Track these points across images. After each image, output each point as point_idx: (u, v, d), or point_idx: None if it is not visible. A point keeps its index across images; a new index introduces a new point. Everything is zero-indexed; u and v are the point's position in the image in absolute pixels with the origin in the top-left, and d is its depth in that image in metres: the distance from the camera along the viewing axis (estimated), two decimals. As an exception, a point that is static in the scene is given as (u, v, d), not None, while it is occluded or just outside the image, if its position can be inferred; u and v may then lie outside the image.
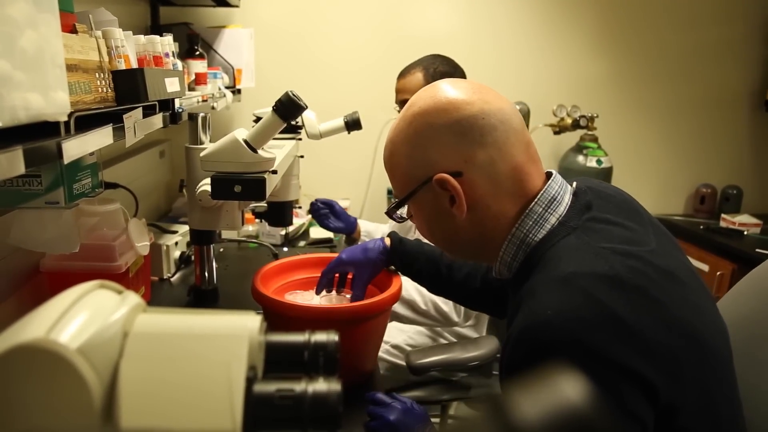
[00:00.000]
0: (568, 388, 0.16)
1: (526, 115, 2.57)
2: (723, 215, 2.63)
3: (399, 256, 1.17)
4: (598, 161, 2.56)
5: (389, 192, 2.56)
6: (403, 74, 1.70)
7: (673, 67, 2.78)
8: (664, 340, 0.65)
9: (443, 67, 1.64)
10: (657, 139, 2.85)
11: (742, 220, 2.56)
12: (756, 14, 2.76)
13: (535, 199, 0.77)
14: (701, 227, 2.63)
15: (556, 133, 2.63)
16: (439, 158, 0.77)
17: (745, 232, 2.52)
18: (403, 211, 0.89)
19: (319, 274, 1.23)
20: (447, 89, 0.79)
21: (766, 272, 0.97)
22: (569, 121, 2.59)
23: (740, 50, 2.79)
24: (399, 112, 1.66)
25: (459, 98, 0.77)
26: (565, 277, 0.68)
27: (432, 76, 1.62)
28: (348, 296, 1.26)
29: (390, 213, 0.88)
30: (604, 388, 0.62)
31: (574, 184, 0.83)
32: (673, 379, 0.66)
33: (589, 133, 2.60)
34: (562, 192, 0.80)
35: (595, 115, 2.60)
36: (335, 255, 1.36)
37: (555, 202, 0.78)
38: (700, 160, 2.88)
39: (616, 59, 2.75)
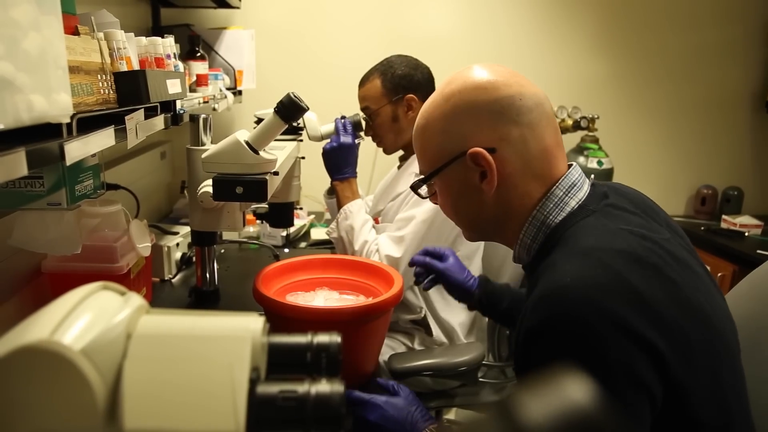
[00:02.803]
0: (575, 390, 0.17)
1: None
2: (724, 216, 2.63)
3: (486, 294, 1.19)
4: (599, 162, 2.56)
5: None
6: (362, 83, 1.68)
7: (674, 69, 2.78)
8: (676, 318, 0.67)
9: (402, 70, 1.62)
10: (658, 141, 2.85)
11: (743, 222, 2.56)
12: (757, 15, 2.76)
13: (557, 184, 0.80)
14: (702, 228, 2.63)
15: (556, 134, 2.63)
16: (475, 134, 0.79)
17: (746, 234, 2.52)
18: (424, 190, 0.91)
19: (320, 276, 1.23)
20: (486, 71, 0.82)
21: (766, 274, 0.98)
22: (570, 122, 2.59)
23: (741, 51, 2.79)
24: (364, 119, 1.65)
25: (498, 79, 0.80)
26: (584, 250, 0.71)
27: (390, 81, 1.61)
28: (349, 297, 1.26)
29: (415, 187, 0.90)
30: (617, 354, 0.64)
31: (592, 176, 0.85)
32: (683, 358, 0.67)
33: (590, 134, 2.60)
34: (582, 180, 0.82)
35: (596, 116, 2.60)
36: (336, 256, 1.36)
37: (575, 188, 0.81)
38: (701, 161, 2.88)
39: (616, 60, 2.75)
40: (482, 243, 1.65)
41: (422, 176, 0.88)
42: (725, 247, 2.40)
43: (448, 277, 1.19)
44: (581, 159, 2.58)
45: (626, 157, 2.79)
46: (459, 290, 1.20)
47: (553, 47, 2.71)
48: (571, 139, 2.68)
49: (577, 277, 0.68)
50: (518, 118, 0.79)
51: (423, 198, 0.93)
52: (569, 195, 0.80)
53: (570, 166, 0.84)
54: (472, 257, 1.62)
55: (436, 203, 0.93)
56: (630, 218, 0.77)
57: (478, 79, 0.81)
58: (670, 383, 0.67)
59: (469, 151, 0.79)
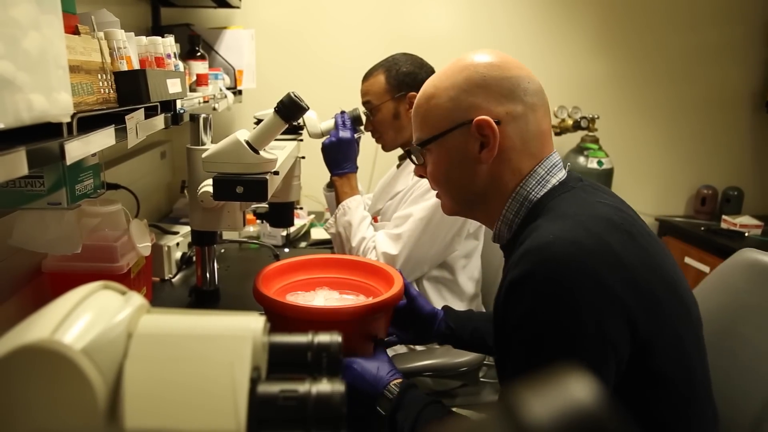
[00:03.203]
0: (579, 389, 0.17)
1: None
2: (724, 216, 2.63)
3: (452, 320, 1.20)
4: (599, 162, 2.56)
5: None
6: (366, 77, 1.67)
7: (674, 69, 2.78)
8: (648, 281, 0.73)
9: (406, 68, 1.62)
10: (658, 141, 2.85)
11: (743, 222, 2.56)
12: (757, 15, 2.76)
13: (540, 163, 0.86)
14: (702, 228, 2.63)
15: (557, 134, 2.63)
16: (484, 106, 0.84)
17: (746, 234, 2.52)
18: (416, 160, 0.94)
19: (320, 276, 1.23)
20: (498, 53, 0.89)
21: (734, 267, 1.01)
22: (570, 122, 2.59)
23: (741, 51, 2.79)
24: (365, 113, 1.65)
25: (509, 61, 0.88)
26: (566, 214, 0.77)
27: (394, 78, 1.60)
28: (349, 297, 1.25)
29: (411, 150, 0.93)
30: (590, 310, 0.69)
31: (568, 164, 0.91)
32: (652, 319, 0.73)
33: (590, 134, 2.60)
34: (561, 164, 0.89)
35: (596, 116, 2.60)
36: (336, 256, 1.36)
37: (556, 168, 0.87)
38: (701, 161, 2.88)
39: (617, 60, 2.75)
40: (481, 243, 1.64)
41: (422, 140, 0.90)
42: (725, 247, 2.40)
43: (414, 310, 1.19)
44: (581, 159, 2.58)
45: (626, 157, 2.79)
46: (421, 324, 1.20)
47: (553, 47, 2.71)
48: (571, 139, 2.68)
49: (560, 235, 0.73)
50: (524, 98, 0.85)
51: (416, 164, 0.95)
52: (550, 174, 0.86)
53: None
54: (471, 256, 1.62)
55: (421, 175, 0.96)
56: (604, 195, 0.85)
57: (491, 58, 0.87)
58: (639, 343, 0.72)
59: (476, 119, 0.83)
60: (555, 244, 0.72)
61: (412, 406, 0.89)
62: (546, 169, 0.86)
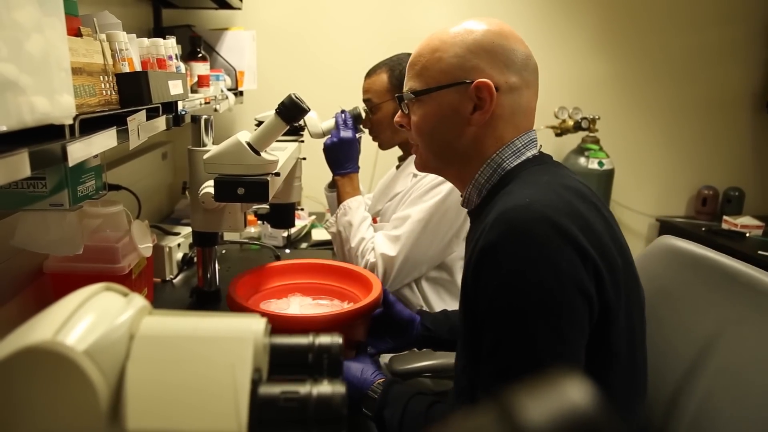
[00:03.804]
0: (575, 393, 0.17)
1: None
2: (725, 217, 2.63)
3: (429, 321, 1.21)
4: (600, 163, 2.56)
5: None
6: (369, 74, 1.68)
7: (675, 69, 2.78)
8: (610, 248, 0.78)
9: None
10: (659, 141, 2.85)
11: (744, 222, 2.56)
12: (758, 16, 2.76)
13: (518, 137, 0.90)
14: (703, 229, 2.63)
15: (557, 134, 2.63)
16: (487, 70, 0.86)
17: (747, 234, 2.52)
18: (403, 108, 0.95)
19: (292, 282, 1.24)
20: (508, 26, 0.91)
21: (653, 254, 1.07)
22: (571, 122, 2.59)
23: (742, 52, 2.79)
24: (365, 110, 1.64)
25: (517, 36, 0.90)
26: (539, 182, 0.82)
27: (397, 78, 1.61)
28: (323, 302, 1.24)
29: (402, 96, 0.94)
30: (568, 265, 0.73)
31: (540, 145, 0.94)
32: (613, 284, 0.77)
33: (591, 134, 2.61)
34: (537, 141, 0.92)
35: (597, 116, 2.60)
36: (308, 261, 1.34)
37: (532, 143, 0.90)
38: (702, 161, 2.88)
39: (617, 61, 2.75)
40: None
41: (417, 90, 0.91)
42: (726, 248, 2.40)
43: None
44: (582, 160, 2.58)
45: (627, 157, 2.79)
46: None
47: (554, 48, 2.71)
48: (572, 140, 2.68)
49: (534, 199, 0.76)
50: (524, 73, 0.88)
51: (404, 111, 0.95)
52: (527, 147, 0.89)
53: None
54: None
55: (401, 124, 0.96)
56: (573, 174, 0.90)
57: (502, 28, 0.89)
58: (603, 304, 0.76)
59: (477, 80, 0.85)
60: (530, 206, 0.75)
61: (398, 401, 0.90)
62: (524, 143, 0.89)
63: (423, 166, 0.98)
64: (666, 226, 2.82)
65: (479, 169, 0.90)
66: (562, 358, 0.73)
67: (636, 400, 0.85)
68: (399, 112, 0.96)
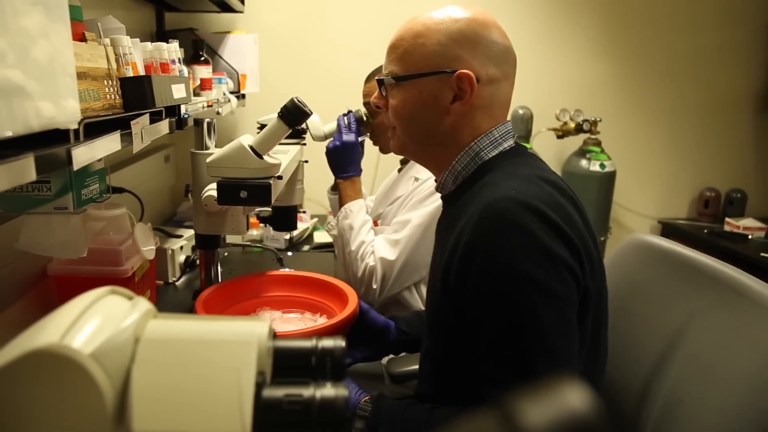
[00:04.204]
0: (575, 398, 0.17)
1: (529, 119, 2.58)
2: (727, 219, 2.63)
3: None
4: (602, 165, 2.56)
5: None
6: (368, 79, 1.68)
7: (676, 71, 2.78)
8: (587, 241, 0.82)
9: None
10: (661, 143, 2.85)
11: (747, 224, 2.55)
12: (759, 17, 2.76)
13: (496, 127, 0.92)
14: (705, 231, 2.63)
15: (559, 137, 2.63)
16: (469, 61, 0.87)
17: (750, 236, 2.51)
18: (383, 91, 0.96)
19: (261, 296, 1.23)
20: (493, 17, 0.92)
21: (627, 250, 1.10)
22: (572, 125, 2.59)
23: (744, 53, 2.79)
24: (365, 113, 1.64)
25: (501, 29, 0.92)
26: (521, 175, 0.83)
27: None
28: (292, 315, 1.22)
29: (382, 80, 0.94)
30: (559, 249, 0.76)
31: (516, 135, 0.96)
32: (591, 271, 0.81)
33: (593, 137, 2.61)
34: (513, 133, 0.94)
35: (599, 119, 2.60)
36: (274, 273, 1.33)
37: (509, 135, 0.93)
38: (704, 163, 2.88)
39: (619, 63, 2.76)
40: None
41: (398, 75, 0.91)
42: (728, 249, 2.40)
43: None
44: (584, 162, 2.58)
45: (629, 159, 2.79)
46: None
47: (555, 50, 2.71)
48: (574, 142, 2.68)
49: (520, 191, 0.78)
50: (504, 66, 0.90)
51: (382, 94, 0.96)
52: (504, 138, 0.91)
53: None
54: None
55: (378, 106, 0.97)
56: (548, 167, 0.92)
57: (487, 19, 0.90)
58: (583, 291, 0.80)
59: (459, 71, 0.86)
60: (518, 197, 0.77)
61: (393, 415, 0.88)
62: (501, 134, 0.91)
63: (400, 149, 1.00)
64: (668, 228, 2.82)
65: (456, 156, 0.91)
66: (568, 338, 0.76)
67: (597, 381, 0.90)
68: (376, 93, 0.97)
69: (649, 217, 2.92)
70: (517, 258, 0.75)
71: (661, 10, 2.72)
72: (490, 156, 0.90)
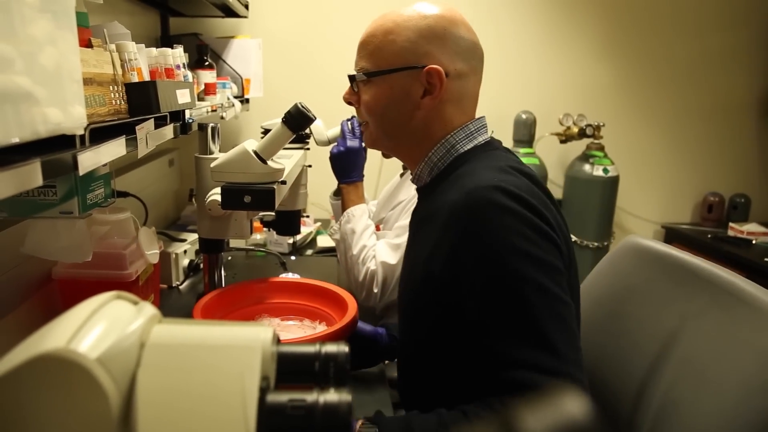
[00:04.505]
0: (572, 406, 0.17)
1: (532, 123, 2.58)
2: (731, 224, 2.62)
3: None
4: (605, 170, 2.56)
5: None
6: None
7: (679, 75, 2.78)
8: (563, 229, 0.86)
9: None
10: (664, 147, 2.85)
11: (750, 229, 2.55)
12: (761, 21, 2.76)
13: (472, 121, 0.95)
14: (709, 236, 2.62)
15: (562, 142, 2.63)
16: (437, 56, 0.90)
17: (754, 241, 2.51)
18: (354, 87, 0.99)
19: (259, 303, 1.23)
20: (460, 13, 0.95)
21: (621, 253, 1.11)
22: (575, 129, 2.60)
23: (747, 57, 2.79)
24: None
25: (468, 25, 0.94)
26: (498, 166, 0.86)
27: None
28: (290, 323, 1.22)
29: (354, 77, 0.98)
30: (539, 236, 0.79)
31: (492, 131, 0.99)
32: (567, 254, 0.84)
33: (596, 141, 2.61)
34: (487, 128, 0.97)
35: (602, 123, 2.60)
36: (273, 280, 1.32)
37: (484, 129, 0.96)
38: (708, 168, 2.88)
39: (622, 67, 2.76)
40: None
41: (369, 71, 0.94)
42: (732, 254, 2.39)
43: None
44: (587, 166, 2.58)
45: (632, 164, 2.79)
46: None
47: (558, 55, 2.71)
48: (577, 147, 2.68)
49: (501, 179, 0.81)
50: (472, 61, 0.94)
51: (353, 90, 0.98)
52: (479, 132, 0.95)
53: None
54: None
55: (350, 102, 1.00)
56: (521, 161, 0.95)
57: (454, 15, 0.93)
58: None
59: (429, 66, 0.89)
60: (500, 185, 0.80)
61: (398, 428, 0.83)
62: (476, 127, 0.95)
63: (373, 143, 1.02)
64: (671, 233, 2.81)
65: (430, 149, 0.94)
66: (569, 305, 0.78)
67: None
68: (347, 89, 1.00)
69: (652, 222, 2.92)
70: (511, 237, 0.77)
71: (664, 15, 2.73)
72: (466, 149, 0.93)
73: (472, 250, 0.78)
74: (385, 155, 1.73)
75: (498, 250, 0.77)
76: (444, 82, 0.89)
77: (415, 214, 1.00)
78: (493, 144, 0.96)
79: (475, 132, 0.94)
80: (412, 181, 1.01)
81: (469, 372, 0.80)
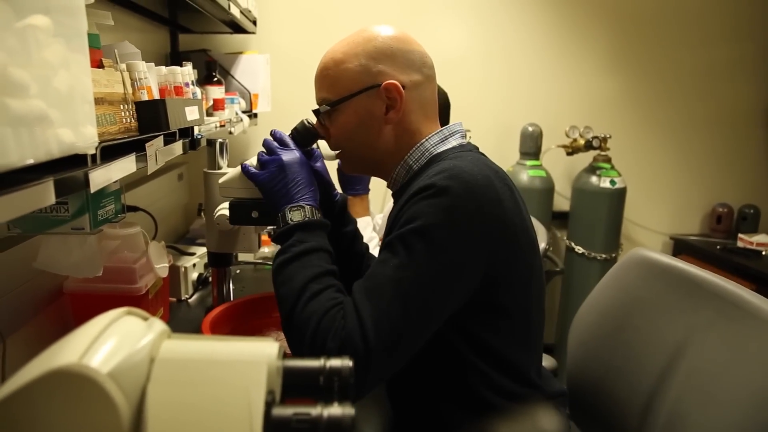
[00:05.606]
0: (546, 421, 0.18)
1: (538, 136, 2.59)
2: (740, 235, 2.61)
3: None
4: (612, 182, 2.56)
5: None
6: None
7: (686, 86, 2.78)
8: (524, 220, 0.92)
9: None
10: (671, 159, 2.85)
11: (760, 240, 2.53)
12: (767, 32, 2.76)
13: (446, 126, 1.00)
14: (718, 247, 2.60)
15: (569, 154, 2.64)
16: (391, 72, 0.95)
17: (763, 252, 2.49)
18: (322, 121, 1.01)
19: (273, 316, 1.23)
20: (400, 29, 1.00)
21: (627, 266, 1.12)
22: (582, 141, 2.60)
23: (753, 68, 2.79)
24: None
25: (412, 38, 1.00)
26: (471, 159, 0.90)
27: None
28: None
29: (318, 111, 1.00)
30: (512, 214, 0.87)
31: (469, 133, 1.02)
32: (532, 250, 0.92)
33: (603, 153, 2.61)
34: (463, 133, 1.02)
35: (608, 135, 2.60)
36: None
37: (458, 134, 1.00)
38: (716, 179, 2.87)
39: (628, 79, 2.77)
40: None
41: (331, 101, 0.97)
42: (742, 266, 2.38)
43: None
44: (594, 179, 2.58)
45: (639, 176, 2.79)
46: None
47: (564, 67, 2.73)
48: (584, 159, 2.68)
49: (469, 168, 0.85)
50: (423, 70, 0.98)
51: (322, 123, 1.01)
52: (453, 137, 0.99)
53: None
54: None
55: (321, 136, 1.03)
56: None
57: (396, 32, 0.98)
58: (498, 266, 0.87)
59: (386, 82, 0.94)
60: (472, 171, 0.85)
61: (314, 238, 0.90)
62: (450, 132, 0.99)
63: (354, 168, 1.06)
64: (680, 244, 2.80)
65: (405, 155, 0.98)
66: (442, 299, 0.83)
67: (528, 368, 0.93)
68: (316, 124, 1.03)
69: (661, 233, 2.91)
70: (437, 216, 0.81)
71: (670, 26, 2.74)
72: (440, 151, 0.97)
73: (422, 204, 0.83)
74: None
75: (415, 216, 0.82)
76: (403, 94, 0.94)
77: (389, 216, 1.00)
78: (467, 147, 1.00)
79: (449, 135, 0.99)
80: (388, 186, 1.04)
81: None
